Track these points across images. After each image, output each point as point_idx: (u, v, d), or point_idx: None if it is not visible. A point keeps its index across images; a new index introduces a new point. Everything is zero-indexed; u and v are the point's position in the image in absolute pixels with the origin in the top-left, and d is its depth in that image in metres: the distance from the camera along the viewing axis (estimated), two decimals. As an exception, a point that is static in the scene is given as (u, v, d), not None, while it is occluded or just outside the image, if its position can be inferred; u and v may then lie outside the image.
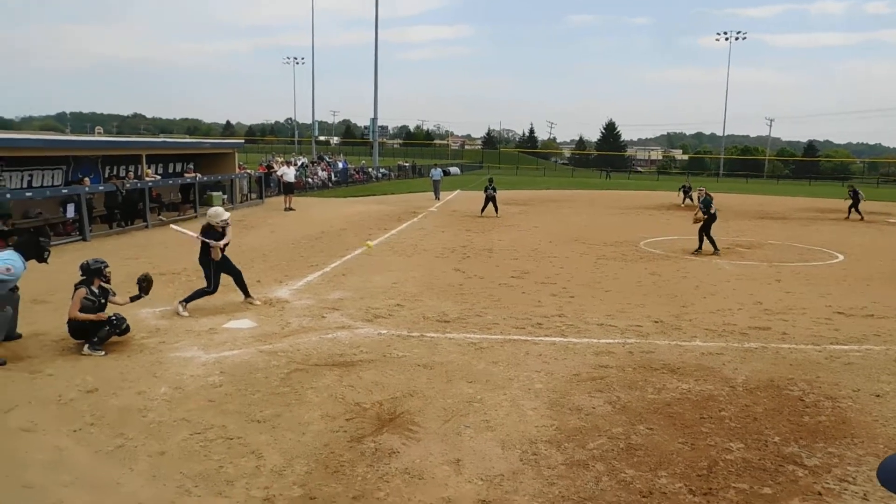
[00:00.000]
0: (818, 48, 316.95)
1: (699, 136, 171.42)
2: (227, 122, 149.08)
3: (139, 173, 19.81)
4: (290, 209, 23.53)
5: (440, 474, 4.68)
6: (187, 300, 8.83)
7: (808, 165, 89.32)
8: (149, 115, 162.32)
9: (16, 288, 7.78)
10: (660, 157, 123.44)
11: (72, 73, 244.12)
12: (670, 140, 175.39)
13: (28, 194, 14.98)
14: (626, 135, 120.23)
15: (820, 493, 4.56)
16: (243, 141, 35.49)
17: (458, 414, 5.74)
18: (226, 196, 23.29)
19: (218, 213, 9.26)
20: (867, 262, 15.27)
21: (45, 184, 16.84)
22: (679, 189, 33.28)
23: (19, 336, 7.69)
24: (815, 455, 5.13)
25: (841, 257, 15.71)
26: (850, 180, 39.44)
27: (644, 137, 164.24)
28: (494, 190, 23.40)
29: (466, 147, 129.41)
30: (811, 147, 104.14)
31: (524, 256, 14.47)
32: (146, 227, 17.57)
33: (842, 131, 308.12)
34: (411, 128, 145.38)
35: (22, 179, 16.22)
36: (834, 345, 8.17)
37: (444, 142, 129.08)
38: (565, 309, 9.70)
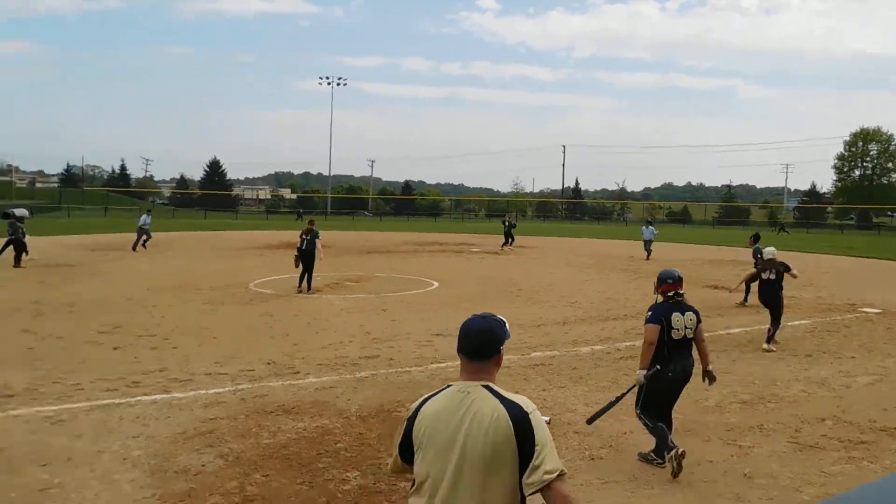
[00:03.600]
0: (411, 98, 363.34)
1: (307, 175, 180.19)
2: None
3: None
4: None
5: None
6: None
7: (405, 203, 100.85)
8: None
9: None
10: (268, 196, 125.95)
11: None
12: (279, 179, 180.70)
13: None
14: (233, 174, 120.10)
15: None
16: None
17: (27, 507, 4.85)
18: None
19: None
20: (457, 286, 17.77)
21: None
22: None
23: None
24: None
25: (436, 284, 17.96)
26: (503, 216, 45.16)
27: (252, 177, 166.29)
28: (23, 234, 20.53)
29: (39, 185, 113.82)
30: (407, 187, 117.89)
31: (117, 308, 13.16)
32: None
33: (431, 173, 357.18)
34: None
35: None
36: (434, 364, 9.24)
37: (6, 178, 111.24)
38: (168, 362, 9.06)
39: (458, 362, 2.72)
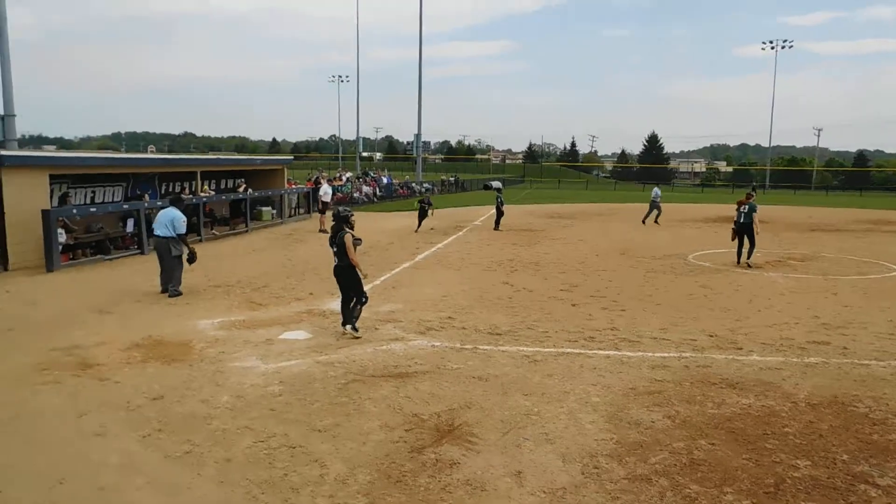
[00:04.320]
0: (867, 55, 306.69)
1: (744, 147, 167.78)
2: (273, 140, 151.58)
3: (193, 189, 20.35)
4: (324, 231, 20.11)
5: (502, 486, 4.64)
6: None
7: (858, 176, 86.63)
8: (198, 134, 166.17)
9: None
10: (703, 170, 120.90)
11: (125, 94, 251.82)
12: (714, 152, 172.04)
13: (92, 209, 15.51)
14: (669, 147, 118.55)
15: (896, 514, 4.38)
16: (293, 158, 35.97)
17: (516, 426, 5.70)
18: (275, 211, 23.74)
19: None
20: (928, 275, 14.69)
21: (106, 200, 17.44)
22: None
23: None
24: (888, 474, 4.93)
25: (900, 270, 15.14)
26: None
27: (687, 150, 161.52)
28: (502, 203, 23.33)
29: (507, 161, 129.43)
30: (861, 157, 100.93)
31: (572, 270, 14.35)
32: (199, 240, 17.99)
33: (893, 141, 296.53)
34: (453, 143, 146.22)
35: (86, 196, 16.84)
36: (900, 360, 7.87)
37: (486, 156, 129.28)
38: (617, 322, 9.57)
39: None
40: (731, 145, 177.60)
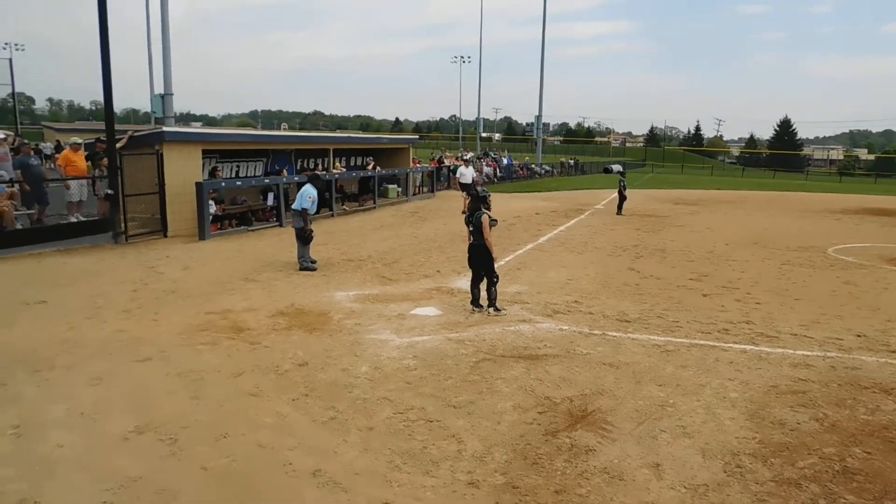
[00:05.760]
0: None
1: (888, 133, 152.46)
2: (396, 119, 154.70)
3: (326, 166, 21.17)
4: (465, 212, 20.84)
5: (640, 478, 4.51)
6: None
7: None
8: (327, 112, 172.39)
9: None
10: (841, 157, 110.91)
11: (261, 74, 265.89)
12: (853, 138, 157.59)
13: (237, 183, 16.51)
14: (803, 132, 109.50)
15: None
16: (418, 137, 36.51)
17: (651, 417, 5.51)
18: (400, 189, 24.26)
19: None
20: None
21: (249, 174, 18.50)
22: None
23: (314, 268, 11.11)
24: None
25: None
26: None
27: (823, 136, 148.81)
28: (625, 187, 22.54)
29: (628, 144, 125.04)
30: None
31: (700, 258, 13.67)
32: (331, 215, 18.72)
33: None
34: (571, 125, 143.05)
35: (231, 170, 17.94)
36: None
37: (605, 139, 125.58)
38: (752, 315, 9.02)
39: None
40: (874, 131, 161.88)
